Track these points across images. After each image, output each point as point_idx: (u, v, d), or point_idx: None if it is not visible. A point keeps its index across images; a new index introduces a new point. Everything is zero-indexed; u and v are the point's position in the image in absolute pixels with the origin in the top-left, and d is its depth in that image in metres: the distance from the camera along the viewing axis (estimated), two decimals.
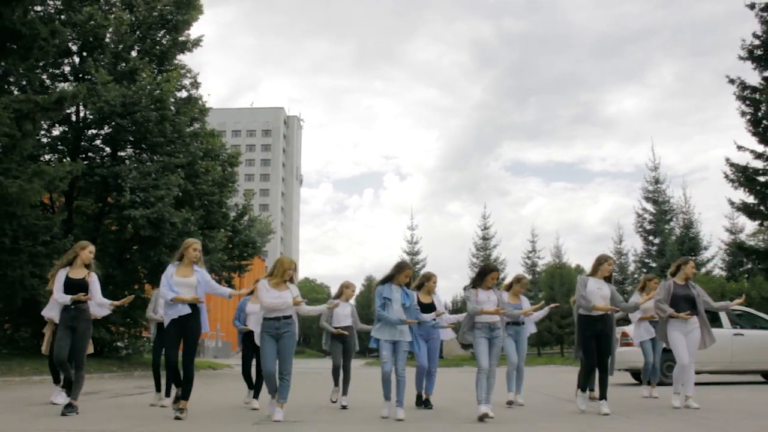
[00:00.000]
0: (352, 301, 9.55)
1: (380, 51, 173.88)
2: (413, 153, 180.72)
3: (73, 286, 7.79)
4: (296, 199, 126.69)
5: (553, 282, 44.06)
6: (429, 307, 8.56)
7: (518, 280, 9.41)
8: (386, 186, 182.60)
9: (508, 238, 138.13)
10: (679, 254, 30.58)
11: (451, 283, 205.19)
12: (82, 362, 7.84)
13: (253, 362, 8.91)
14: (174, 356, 7.52)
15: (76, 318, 7.78)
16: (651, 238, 36.21)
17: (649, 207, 36.66)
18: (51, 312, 8.41)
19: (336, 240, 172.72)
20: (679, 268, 8.52)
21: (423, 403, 8.73)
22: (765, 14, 20.58)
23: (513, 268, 50.83)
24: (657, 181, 36.95)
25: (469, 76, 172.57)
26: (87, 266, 8.01)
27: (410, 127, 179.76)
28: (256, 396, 8.95)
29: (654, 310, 8.70)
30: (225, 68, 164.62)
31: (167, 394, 8.87)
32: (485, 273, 7.67)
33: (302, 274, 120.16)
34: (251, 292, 8.34)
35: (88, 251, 8.02)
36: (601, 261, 8.08)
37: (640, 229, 36.63)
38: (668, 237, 34.83)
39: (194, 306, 7.33)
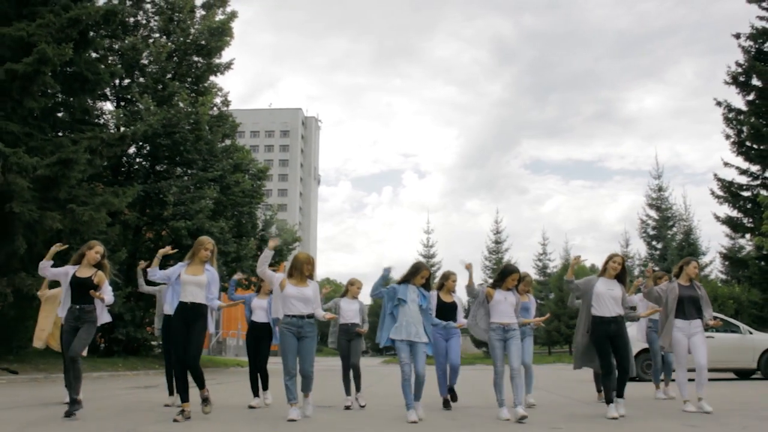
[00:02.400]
0: (362, 298, 9.36)
1: (399, 48, 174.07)
2: (432, 151, 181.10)
3: (80, 285, 7.53)
4: (314, 199, 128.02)
5: (562, 284, 45.98)
6: (450, 307, 8.54)
7: (522, 278, 8.82)
8: (405, 184, 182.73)
9: (527, 236, 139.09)
10: (679, 259, 32.29)
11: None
12: (78, 354, 7.54)
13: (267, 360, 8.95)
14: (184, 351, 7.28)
15: (80, 318, 7.55)
16: (654, 243, 38.10)
17: (653, 213, 38.59)
18: (62, 313, 8.30)
19: (354, 238, 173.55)
20: (681, 269, 8.34)
21: (449, 392, 8.73)
22: (746, 44, 22.61)
23: (526, 270, 52.39)
24: (660, 189, 38.85)
25: (489, 73, 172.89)
26: (98, 266, 7.72)
27: (429, 124, 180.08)
28: (265, 389, 8.98)
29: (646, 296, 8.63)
30: (244, 65, 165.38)
31: (172, 393, 8.77)
32: (505, 275, 7.64)
33: (320, 272, 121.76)
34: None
35: (94, 252, 7.72)
36: (606, 260, 7.92)
37: (644, 235, 38.55)
38: (670, 242, 36.61)
39: (201, 305, 7.21)
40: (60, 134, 17.56)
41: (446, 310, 8.47)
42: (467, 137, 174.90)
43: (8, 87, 13.51)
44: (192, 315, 7.15)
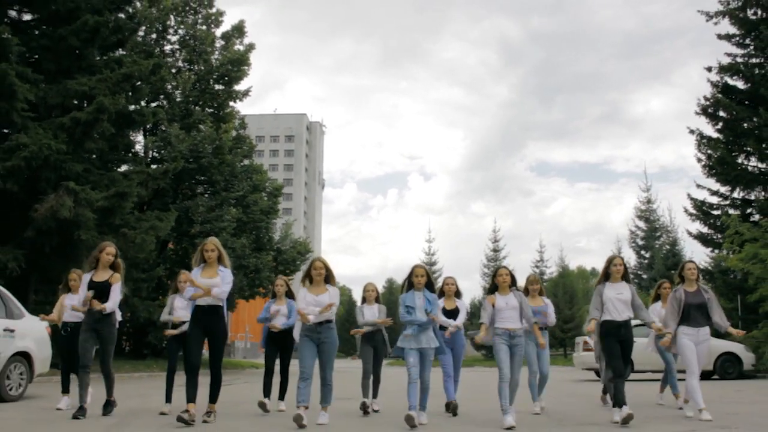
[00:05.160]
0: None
1: (405, 49, 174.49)
2: (438, 153, 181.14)
3: (95, 289, 7.63)
4: (318, 203, 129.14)
5: (557, 290, 48.56)
6: (451, 313, 8.47)
7: (531, 283, 9.11)
8: (410, 186, 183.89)
9: (532, 237, 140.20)
10: (664, 269, 34.67)
11: (473, 284, 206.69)
12: (109, 368, 7.75)
13: (277, 362, 8.94)
14: (196, 356, 7.20)
15: (99, 321, 7.62)
16: (643, 252, 40.56)
17: (642, 225, 41.09)
18: (68, 318, 8.60)
19: (359, 240, 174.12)
20: (682, 275, 8.11)
21: (451, 408, 8.65)
22: (715, 78, 25.19)
23: (526, 273, 54.59)
24: (649, 201, 41.39)
25: (495, 74, 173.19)
26: (113, 268, 7.82)
27: (435, 126, 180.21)
28: (281, 397, 8.99)
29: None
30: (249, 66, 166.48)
31: (169, 400, 8.55)
32: (494, 276, 7.70)
33: None
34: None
35: (105, 253, 7.79)
36: (608, 264, 7.80)
37: (633, 244, 41.05)
38: (658, 253, 38.95)
39: (216, 307, 7.24)
40: (107, 165, 20.17)
41: (449, 317, 8.42)
42: (473, 139, 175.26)
43: (73, 132, 16.09)
44: (208, 317, 7.18)
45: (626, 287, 7.63)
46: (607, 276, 7.74)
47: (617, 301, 7.53)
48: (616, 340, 7.51)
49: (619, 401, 7.39)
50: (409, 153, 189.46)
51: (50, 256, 16.11)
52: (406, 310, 7.27)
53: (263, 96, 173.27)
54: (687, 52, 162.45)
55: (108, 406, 7.94)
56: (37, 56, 17.10)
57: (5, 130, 16.33)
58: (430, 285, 7.49)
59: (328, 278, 7.37)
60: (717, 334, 11.99)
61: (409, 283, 7.47)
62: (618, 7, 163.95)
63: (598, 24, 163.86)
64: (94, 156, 18.76)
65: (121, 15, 19.02)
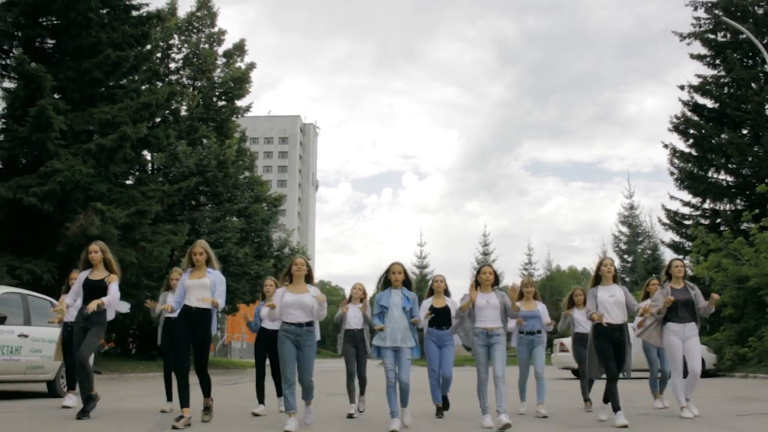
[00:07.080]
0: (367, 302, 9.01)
1: (401, 49, 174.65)
2: (432, 152, 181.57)
3: (91, 288, 7.74)
4: (312, 204, 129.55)
5: (545, 292, 50.31)
6: (443, 311, 8.18)
7: (525, 285, 9.00)
8: (405, 185, 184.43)
9: (526, 237, 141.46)
10: (645, 272, 36.42)
11: (465, 283, 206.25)
12: (85, 357, 7.66)
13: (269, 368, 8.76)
14: (185, 359, 7.16)
15: (89, 319, 7.69)
16: (625, 257, 42.36)
17: (624, 230, 42.91)
18: (71, 318, 8.47)
19: (354, 239, 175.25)
20: (669, 274, 8.17)
21: (442, 403, 8.45)
22: (686, 98, 27.08)
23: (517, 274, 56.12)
24: (632, 207, 43.24)
25: (490, 74, 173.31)
26: (107, 268, 7.96)
27: (430, 126, 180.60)
28: (279, 395, 8.63)
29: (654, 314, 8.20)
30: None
31: (170, 398, 8.67)
32: (478, 273, 7.62)
33: (318, 275, 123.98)
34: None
35: (92, 252, 7.95)
36: (597, 267, 7.81)
37: (617, 249, 42.87)
38: (639, 257, 40.76)
39: (206, 311, 7.19)
40: (118, 179, 21.88)
41: (440, 315, 8.16)
42: (468, 139, 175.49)
43: (98, 156, 17.87)
44: (196, 319, 7.12)
45: (618, 289, 7.61)
46: (598, 279, 7.72)
47: (610, 304, 7.46)
48: (609, 342, 7.42)
49: (615, 406, 7.21)
50: (404, 152, 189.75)
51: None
52: (380, 310, 7.18)
53: (258, 96, 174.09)
54: (680, 52, 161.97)
55: (90, 401, 7.72)
56: (63, 86, 18.77)
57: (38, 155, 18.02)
58: (408, 283, 7.40)
59: (308, 278, 7.20)
60: None
61: (386, 281, 7.37)
62: (613, 8, 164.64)
63: (594, 24, 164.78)
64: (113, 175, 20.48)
65: (140, 48, 20.75)
